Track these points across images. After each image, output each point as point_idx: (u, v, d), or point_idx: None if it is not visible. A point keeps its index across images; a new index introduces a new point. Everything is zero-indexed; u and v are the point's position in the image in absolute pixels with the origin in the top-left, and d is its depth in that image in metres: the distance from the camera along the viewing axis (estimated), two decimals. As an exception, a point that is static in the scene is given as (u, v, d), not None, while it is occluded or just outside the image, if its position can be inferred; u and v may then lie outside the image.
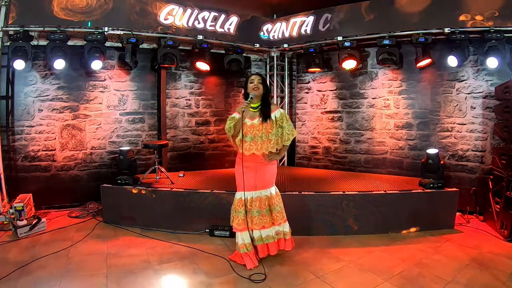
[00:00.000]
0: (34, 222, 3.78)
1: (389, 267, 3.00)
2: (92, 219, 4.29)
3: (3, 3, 3.98)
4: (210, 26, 5.06)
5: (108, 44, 4.65)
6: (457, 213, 4.05)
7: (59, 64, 4.27)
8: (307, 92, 5.96)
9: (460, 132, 4.58)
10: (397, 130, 5.08)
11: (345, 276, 2.87)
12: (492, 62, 4.04)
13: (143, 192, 4.00)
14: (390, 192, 3.89)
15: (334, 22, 5.04)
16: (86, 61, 4.47)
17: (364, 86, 5.35)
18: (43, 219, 3.91)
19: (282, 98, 6.11)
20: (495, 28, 3.98)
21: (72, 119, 4.82)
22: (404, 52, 4.87)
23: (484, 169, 4.38)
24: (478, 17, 4.06)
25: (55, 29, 4.16)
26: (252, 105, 2.96)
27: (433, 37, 4.36)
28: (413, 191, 3.91)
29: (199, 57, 5.24)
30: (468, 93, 4.50)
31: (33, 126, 4.63)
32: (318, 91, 5.82)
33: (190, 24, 4.91)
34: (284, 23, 5.51)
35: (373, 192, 3.87)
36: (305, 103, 5.99)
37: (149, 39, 4.94)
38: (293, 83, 6.18)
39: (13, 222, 3.75)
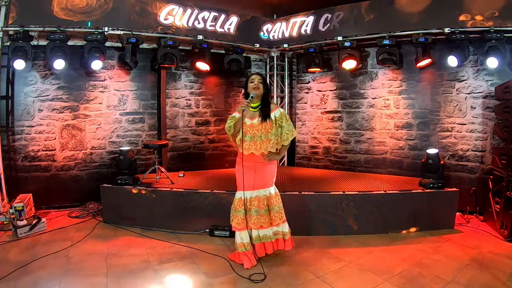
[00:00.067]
0: (34, 222, 3.78)
1: (389, 267, 3.00)
2: (92, 219, 4.29)
3: (3, 3, 3.98)
4: (210, 26, 5.06)
5: (108, 44, 4.66)
6: (457, 213, 4.05)
7: (59, 64, 4.27)
8: (307, 92, 5.96)
9: (460, 132, 4.58)
10: (397, 130, 5.08)
11: (345, 276, 2.87)
12: (492, 62, 4.04)
13: (143, 192, 4.00)
14: (390, 192, 3.89)
15: (334, 22, 5.04)
16: (86, 61, 4.47)
17: (364, 86, 5.35)
18: (43, 219, 3.91)
19: (282, 98, 6.11)
20: (495, 28, 3.98)
21: (72, 119, 4.82)
22: (404, 52, 4.87)
23: (484, 169, 4.38)
24: (478, 17, 4.06)
25: (55, 29, 4.16)
26: (252, 105, 2.96)
27: (433, 37, 4.36)
28: (413, 191, 3.91)
29: (199, 57, 5.24)
30: (468, 93, 4.50)
31: (33, 126, 4.63)
32: (318, 91, 5.82)
33: (190, 24, 4.91)
34: (284, 23, 5.51)
35: (373, 192, 3.87)
36: (305, 103, 5.99)
37: (149, 39, 4.94)
38: (293, 83, 6.19)
39: (13, 222, 3.75)
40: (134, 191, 4.02)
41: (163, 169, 4.52)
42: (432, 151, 4.08)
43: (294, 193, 3.85)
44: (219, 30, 5.15)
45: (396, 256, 3.23)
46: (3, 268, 2.86)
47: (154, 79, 5.34)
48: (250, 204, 2.98)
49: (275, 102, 5.93)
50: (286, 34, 5.51)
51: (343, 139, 5.57)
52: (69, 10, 4.20)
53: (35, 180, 4.62)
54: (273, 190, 3.09)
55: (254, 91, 2.93)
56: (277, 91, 6.05)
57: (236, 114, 2.96)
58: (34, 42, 4.34)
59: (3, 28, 4.05)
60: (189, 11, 4.88)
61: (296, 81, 6.14)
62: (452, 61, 4.27)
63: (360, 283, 2.76)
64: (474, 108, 4.47)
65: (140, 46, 4.78)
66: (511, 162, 3.60)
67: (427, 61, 4.63)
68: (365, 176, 4.85)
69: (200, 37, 4.96)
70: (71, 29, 4.26)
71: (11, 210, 3.81)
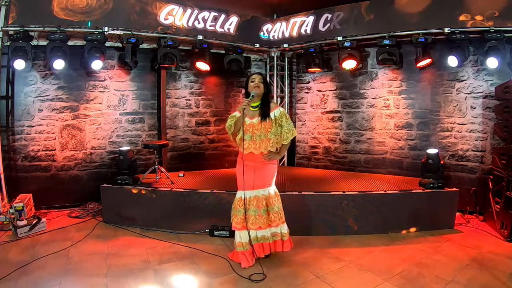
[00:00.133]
0: (34, 222, 3.78)
1: (389, 267, 3.00)
2: (92, 219, 4.29)
3: (3, 3, 3.98)
4: (210, 26, 5.06)
5: (108, 44, 4.66)
6: (457, 213, 4.05)
7: (59, 64, 4.27)
8: (307, 92, 5.96)
9: (460, 132, 4.58)
10: (397, 130, 5.08)
11: (345, 276, 2.87)
12: (492, 62, 4.04)
13: (143, 192, 4.00)
14: (390, 192, 3.89)
15: (334, 22, 5.04)
16: (86, 61, 4.47)
17: (364, 86, 5.35)
18: (43, 219, 3.91)
19: (282, 98, 6.11)
20: (495, 28, 3.98)
21: (72, 119, 4.82)
22: (404, 52, 4.87)
23: (484, 169, 4.38)
24: (478, 17, 4.06)
25: (55, 29, 4.16)
26: (252, 104, 2.96)
27: (433, 37, 4.36)
28: (413, 191, 3.91)
29: (199, 57, 5.24)
30: (468, 93, 4.50)
31: (33, 126, 4.63)
32: (318, 91, 5.82)
33: (190, 24, 4.91)
34: (284, 23, 5.51)
35: (373, 192, 3.87)
36: (305, 103, 5.99)
37: (149, 39, 4.94)
38: (293, 83, 6.19)
39: (13, 222, 3.75)
40: (134, 191, 4.02)
41: (163, 169, 4.52)
42: (432, 151, 4.08)
43: (294, 193, 3.85)
44: (219, 30, 5.15)
45: (396, 256, 3.23)
46: (3, 268, 2.86)
47: (154, 79, 5.34)
48: (249, 204, 2.98)
49: (275, 101, 5.93)
50: (286, 34, 5.51)
51: (343, 139, 5.57)
52: (69, 10, 4.20)
53: (35, 180, 4.62)
54: (272, 190, 3.08)
55: (255, 90, 2.93)
56: (277, 91, 6.05)
57: (237, 113, 2.96)
58: (34, 42, 4.34)
59: (3, 28, 4.05)
60: (189, 11, 4.88)
61: (296, 81, 6.14)
62: (452, 61, 4.27)
63: (360, 283, 2.76)
64: (474, 108, 4.47)
65: (140, 46, 4.78)
66: (511, 162, 3.60)
67: (427, 61, 4.63)
68: (365, 176, 4.85)
69: (200, 37, 4.96)
70: (71, 29, 4.26)
71: (11, 210, 3.81)
